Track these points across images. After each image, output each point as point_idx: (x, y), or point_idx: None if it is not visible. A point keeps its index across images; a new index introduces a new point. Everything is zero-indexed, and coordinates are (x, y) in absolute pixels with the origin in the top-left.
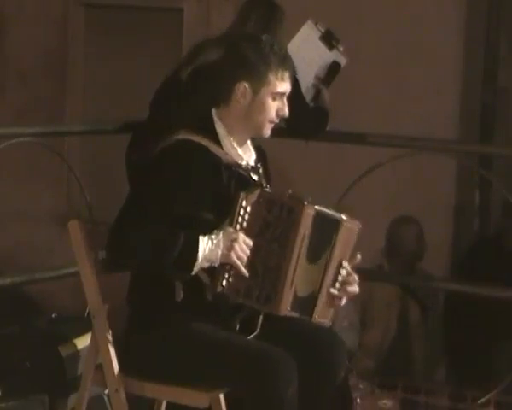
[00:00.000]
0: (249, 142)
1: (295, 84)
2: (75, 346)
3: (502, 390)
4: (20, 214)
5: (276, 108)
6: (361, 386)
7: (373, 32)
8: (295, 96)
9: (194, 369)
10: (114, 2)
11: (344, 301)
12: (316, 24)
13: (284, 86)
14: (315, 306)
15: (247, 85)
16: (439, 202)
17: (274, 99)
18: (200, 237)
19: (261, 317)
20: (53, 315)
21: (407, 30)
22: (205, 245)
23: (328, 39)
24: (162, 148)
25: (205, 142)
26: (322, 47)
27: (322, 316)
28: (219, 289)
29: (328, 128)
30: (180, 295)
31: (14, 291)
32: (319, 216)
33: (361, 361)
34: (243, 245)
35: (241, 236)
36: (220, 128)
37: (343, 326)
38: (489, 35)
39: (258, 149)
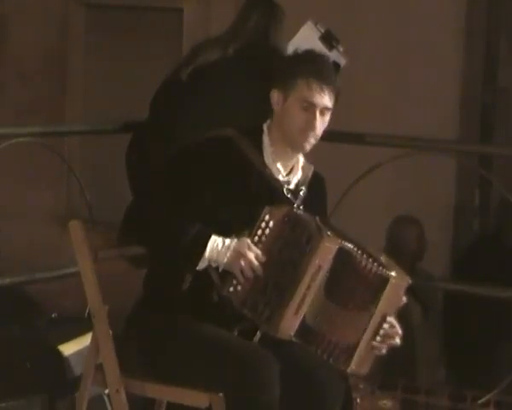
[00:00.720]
0: (301, 163)
1: None
2: (76, 346)
3: (502, 390)
4: (20, 214)
5: (305, 119)
6: (361, 386)
7: (373, 33)
8: None
9: (194, 369)
10: (114, 2)
11: (384, 351)
12: (315, 24)
13: (313, 96)
14: (353, 356)
15: (278, 92)
16: (439, 202)
17: (304, 109)
18: (213, 236)
19: (258, 333)
20: (53, 315)
21: (407, 30)
22: (214, 244)
23: (328, 40)
24: (202, 139)
25: (245, 145)
26: (322, 47)
27: (359, 365)
28: (225, 292)
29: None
30: (187, 284)
31: (14, 291)
32: (344, 253)
33: None
34: (253, 260)
35: (254, 250)
36: (266, 138)
37: None
38: (489, 35)
39: (314, 174)
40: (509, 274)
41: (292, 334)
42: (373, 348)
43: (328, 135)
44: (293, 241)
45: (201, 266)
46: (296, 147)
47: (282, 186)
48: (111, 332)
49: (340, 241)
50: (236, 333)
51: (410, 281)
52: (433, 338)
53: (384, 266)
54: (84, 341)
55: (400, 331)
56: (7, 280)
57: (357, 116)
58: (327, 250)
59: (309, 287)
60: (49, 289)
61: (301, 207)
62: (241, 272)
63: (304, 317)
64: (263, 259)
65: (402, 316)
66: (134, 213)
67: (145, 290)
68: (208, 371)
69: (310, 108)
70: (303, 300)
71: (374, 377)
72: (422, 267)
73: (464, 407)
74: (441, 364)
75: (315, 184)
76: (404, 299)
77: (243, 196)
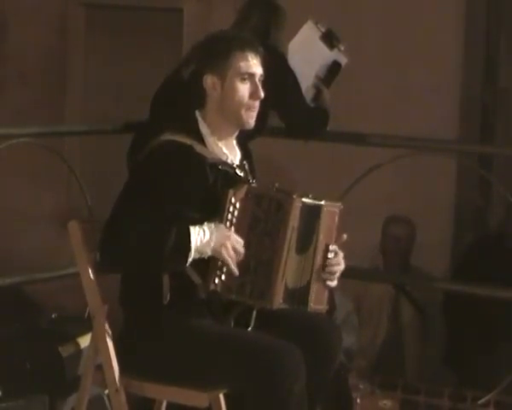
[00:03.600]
0: (235, 142)
1: (294, 83)
2: (76, 346)
3: (502, 390)
4: (21, 215)
5: (248, 90)
6: (361, 386)
7: (372, 34)
8: (294, 96)
9: (194, 367)
10: (114, 2)
11: (335, 282)
12: (316, 23)
13: (250, 67)
14: (308, 294)
15: (212, 76)
16: (439, 202)
17: (243, 81)
18: (191, 228)
19: (254, 312)
20: (53, 315)
21: (407, 30)
22: (196, 235)
23: (329, 39)
24: (148, 149)
25: (189, 141)
26: (322, 47)
27: (317, 302)
28: (212, 287)
29: (328, 128)
30: (167, 298)
31: (14, 291)
32: (305, 207)
33: (358, 361)
34: (235, 243)
35: (233, 234)
36: (204, 128)
37: (343, 327)
38: (489, 35)
39: (243, 147)
40: (510, 274)
41: (281, 301)
42: (324, 280)
43: (329, 135)
44: (261, 214)
45: (190, 260)
46: (242, 123)
47: (233, 168)
48: (110, 332)
49: (296, 195)
50: (233, 321)
51: (342, 206)
52: (431, 338)
53: (316, 199)
54: (84, 341)
55: (341, 253)
56: (7, 280)
57: (357, 116)
58: (297, 210)
59: (288, 250)
60: (48, 289)
61: (254, 181)
62: (230, 257)
63: (285, 280)
64: (241, 241)
65: (392, 315)
66: (110, 238)
67: (125, 310)
68: (222, 368)
69: (250, 78)
70: (285, 265)
71: (373, 377)
72: (418, 266)
73: (464, 407)
74: (441, 364)
75: (245, 153)
76: (344, 236)
77: (204, 189)
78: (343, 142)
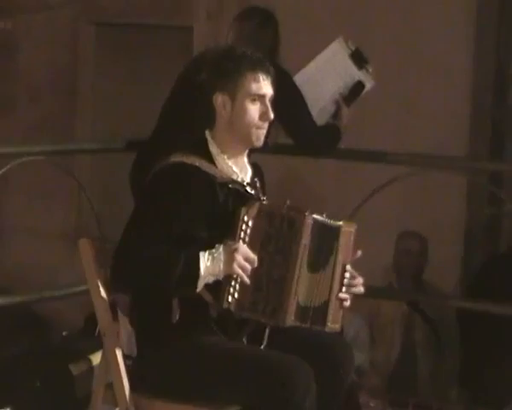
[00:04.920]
0: (246, 160)
1: (300, 101)
2: (88, 363)
3: None
4: (31, 232)
5: (258, 111)
6: (372, 404)
7: (381, 50)
8: (302, 113)
9: (206, 384)
10: (124, 20)
11: (349, 302)
12: (346, 41)
13: (261, 88)
14: (327, 314)
15: (223, 95)
16: (450, 219)
17: (254, 102)
18: (201, 253)
19: (267, 329)
20: (64, 333)
21: (416, 47)
22: (206, 260)
23: (358, 58)
24: (156, 171)
25: (198, 162)
26: (350, 65)
27: (334, 322)
28: (225, 305)
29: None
30: (176, 317)
31: (24, 309)
32: (317, 225)
33: (369, 379)
34: (246, 254)
35: (242, 246)
36: (213, 148)
37: (353, 344)
38: (499, 52)
39: (254, 165)
40: None
41: (293, 319)
42: (341, 300)
43: (337, 153)
44: (273, 232)
45: (200, 286)
46: (252, 142)
47: (243, 186)
48: (121, 350)
49: (308, 213)
50: (245, 338)
51: (356, 226)
52: (443, 356)
53: (331, 219)
54: (95, 359)
55: (361, 279)
56: (17, 298)
57: (367, 133)
58: (308, 227)
59: (300, 268)
60: (59, 307)
61: (265, 198)
62: (241, 268)
63: (297, 298)
64: (251, 254)
65: (405, 332)
66: (121, 262)
67: (135, 329)
68: (233, 386)
69: (260, 99)
70: (297, 283)
71: (384, 395)
72: (430, 281)
73: None
74: (454, 381)
75: (256, 171)
76: (359, 252)
77: (214, 209)
78: (352, 159)
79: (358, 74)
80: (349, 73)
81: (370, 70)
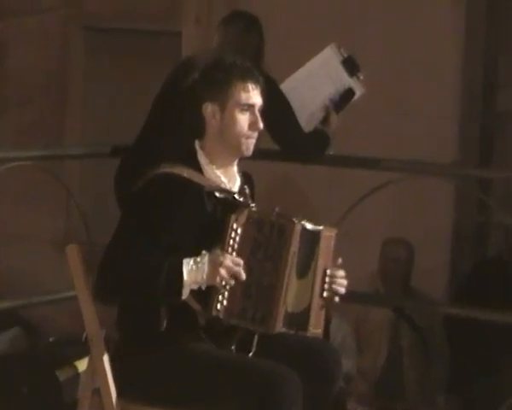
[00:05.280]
0: (235, 169)
1: (287, 108)
2: (74, 369)
3: None
4: (19, 238)
5: (247, 121)
6: None
7: (371, 54)
8: (288, 121)
9: (194, 392)
10: (114, 25)
11: (337, 299)
12: (339, 48)
13: (250, 98)
14: (309, 319)
15: (212, 105)
16: (437, 225)
17: (243, 112)
18: (184, 260)
19: (256, 336)
20: (50, 339)
21: (405, 53)
22: (189, 268)
23: (350, 66)
24: (144, 181)
25: (186, 173)
26: (342, 71)
27: (315, 326)
28: (214, 313)
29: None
30: (164, 325)
31: (12, 315)
32: (304, 232)
33: (357, 385)
34: (231, 266)
35: (229, 257)
36: (202, 158)
37: (340, 350)
38: (488, 58)
39: (244, 174)
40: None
41: (281, 326)
42: (323, 304)
43: (323, 159)
44: (263, 239)
45: (185, 293)
46: (242, 152)
47: (231, 193)
48: (108, 357)
49: (297, 220)
50: (234, 345)
51: (336, 230)
52: (430, 362)
53: (315, 225)
54: (82, 365)
55: (344, 277)
56: (4, 304)
57: (355, 139)
58: (297, 235)
59: (289, 275)
60: (46, 312)
61: (254, 205)
62: (223, 281)
63: (286, 305)
64: (240, 261)
65: (392, 339)
66: (106, 273)
67: (122, 336)
68: (221, 393)
69: (250, 109)
70: (286, 290)
71: (372, 402)
72: (418, 289)
73: None
74: (442, 388)
75: (245, 179)
76: (339, 260)
77: (202, 218)
78: (344, 166)
79: (349, 81)
80: (340, 79)
81: (361, 77)
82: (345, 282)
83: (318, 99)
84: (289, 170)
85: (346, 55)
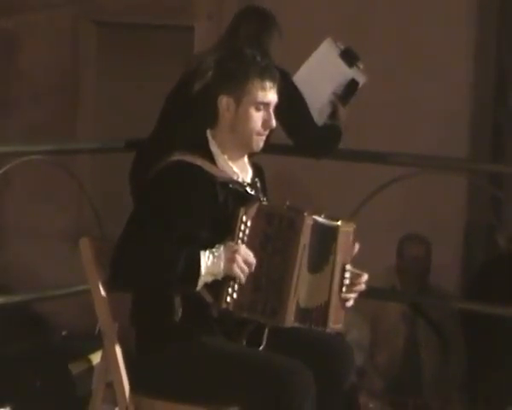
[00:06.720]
0: (246, 160)
1: (301, 102)
2: (87, 363)
3: None
4: (32, 232)
5: (261, 119)
6: (371, 405)
7: (382, 52)
8: (300, 114)
9: (207, 385)
10: (126, 20)
11: (352, 301)
12: (335, 42)
13: (266, 96)
14: (328, 314)
15: (228, 98)
16: (450, 221)
17: (258, 109)
18: (202, 252)
19: (266, 330)
20: (63, 333)
21: (418, 50)
22: (206, 259)
23: (348, 57)
24: (158, 170)
25: (199, 161)
26: (341, 64)
27: (335, 322)
28: (224, 305)
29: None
30: (178, 315)
31: (25, 309)
32: (317, 226)
33: (372, 381)
34: (245, 256)
35: (243, 247)
36: (214, 147)
37: (354, 345)
38: (500, 53)
39: (255, 165)
40: None
41: (293, 319)
42: (343, 300)
43: (338, 154)
44: (272, 232)
45: (200, 284)
46: (251, 148)
47: (243, 186)
48: (121, 350)
49: (308, 213)
50: (245, 339)
51: (355, 225)
52: (447, 358)
53: (330, 219)
54: (95, 359)
55: (365, 276)
56: (18, 297)
57: (367, 134)
58: (308, 228)
59: (299, 268)
60: (59, 306)
61: (265, 199)
62: (240, 269)
63: (297, 299)
64: (251, 254)
65: (408, 335)
66: (121, 260)
67: (136, 329)
68: (233, 387)
69: (265, 107)
70: (296, 283)
71: (384, 397)
72: (435, 283)
73: None
74: (458, 384)
75: (257, 171)
76: (357, 246)
77: (214, 208)
78: (352, 160)
79: (350, 72)
80: (341, 72)
81: (361, 66)
82: (364, 286)
83: (323, 95)
84: (297, 164)
85: (342, 48)
